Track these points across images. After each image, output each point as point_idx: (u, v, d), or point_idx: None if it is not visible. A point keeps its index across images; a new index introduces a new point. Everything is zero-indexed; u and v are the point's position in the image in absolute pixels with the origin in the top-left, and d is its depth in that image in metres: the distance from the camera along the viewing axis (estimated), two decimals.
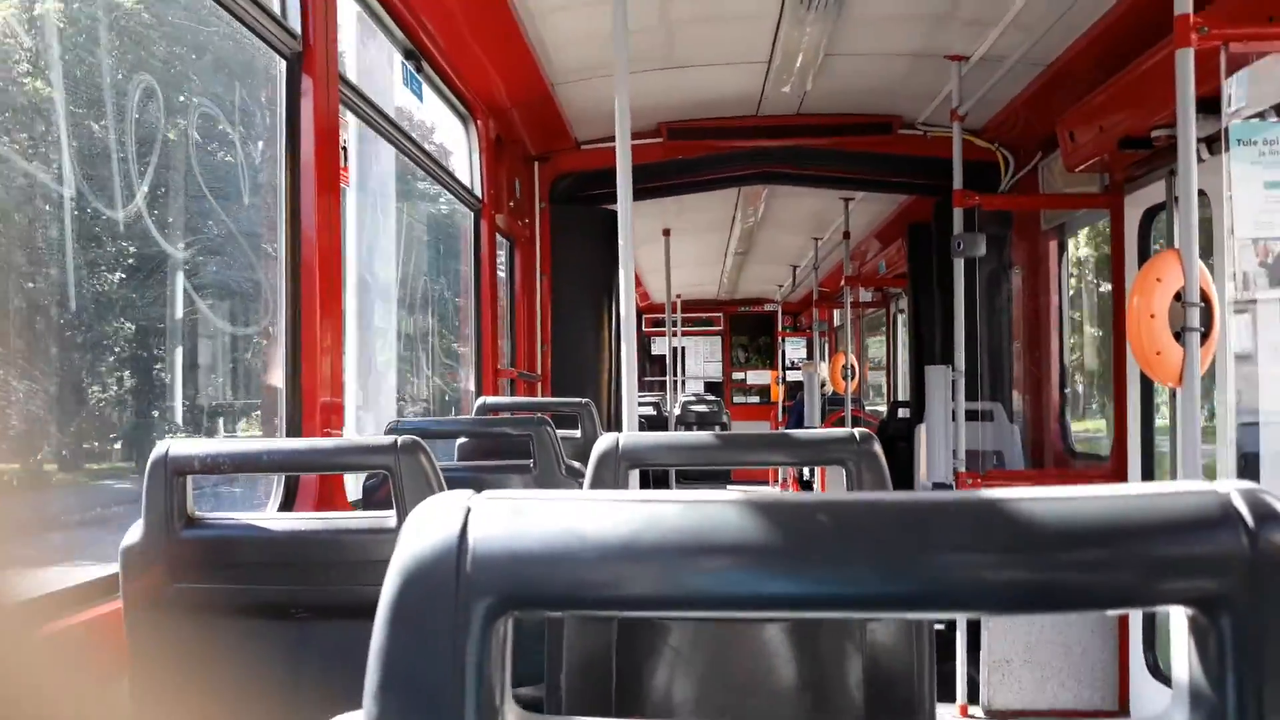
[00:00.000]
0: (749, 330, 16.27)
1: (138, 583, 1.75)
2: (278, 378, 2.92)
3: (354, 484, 3.10)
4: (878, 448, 1.58)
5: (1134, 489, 0.50)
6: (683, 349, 15.49)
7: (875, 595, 0.50)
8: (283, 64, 2.90)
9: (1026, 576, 0.49)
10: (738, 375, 16.37)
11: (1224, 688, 0.48)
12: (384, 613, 0.54)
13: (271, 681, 1.75)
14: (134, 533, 1.76)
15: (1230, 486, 0.49)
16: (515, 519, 0.53)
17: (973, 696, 4.45)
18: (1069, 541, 0.48)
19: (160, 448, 1.73)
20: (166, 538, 1.74)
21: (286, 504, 2.85)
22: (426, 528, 0.54)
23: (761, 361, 16.27)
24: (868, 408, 12.46)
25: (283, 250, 2.89)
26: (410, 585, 0.53)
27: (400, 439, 1.71)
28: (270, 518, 2.01)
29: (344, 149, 3.15)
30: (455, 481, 3.22)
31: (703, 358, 16.48)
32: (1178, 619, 0.50)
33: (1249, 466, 3.40)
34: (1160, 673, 4.12)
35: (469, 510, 0.54)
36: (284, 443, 2.10)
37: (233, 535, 1.79)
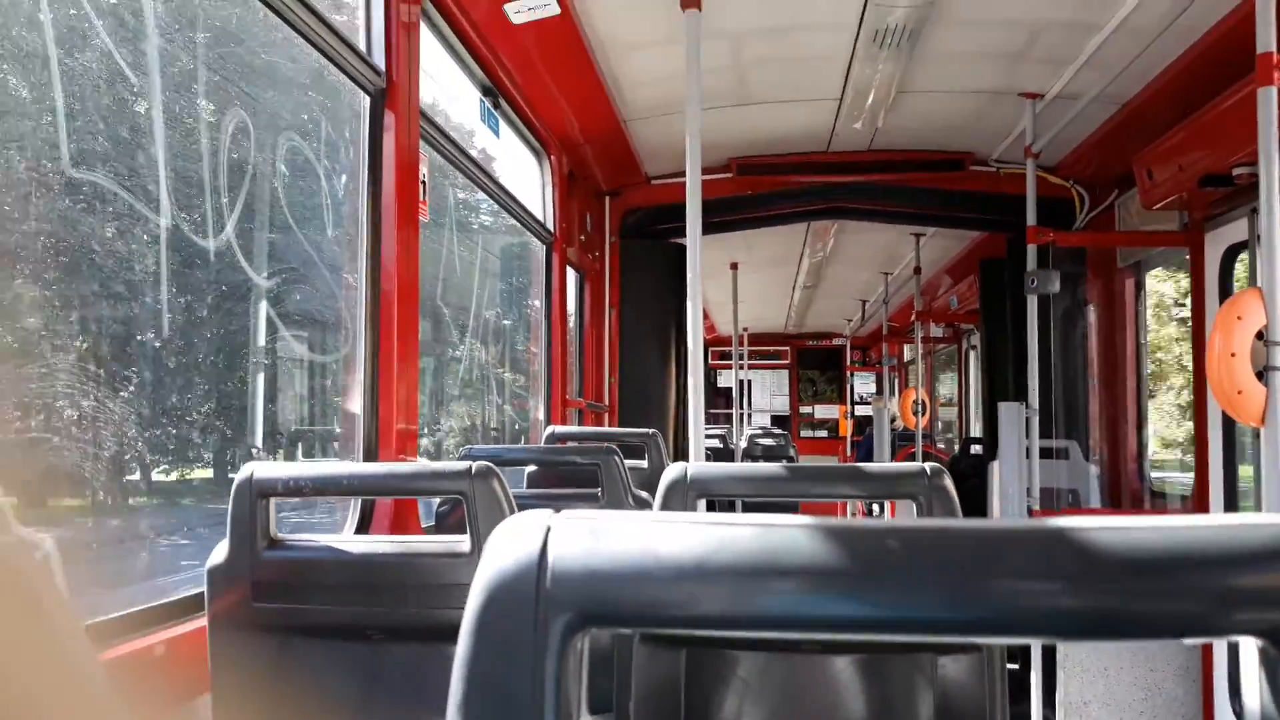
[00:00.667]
0: (817, 364, 16.15)
1: (221, 602, 1.81)
2: (356, 404, 3.00)
3: (426, 510, 3.16)
4: (949, 482, 1.58)
5: (1205, 519, 0.51)
6: (749, 382, 15.44)
7: (943, 619, 0.52)
8: (366, 100, 3.01)
9: (1095, 602, 0.50)
10: (805, 409, 16.25)
11: None
12: (468, 627, 0.57)
13: (347, 701, 1.80)
14: (219, 553, 1.82)
15: None
16: (593, 538, 0.56)
17: None
18: (1138, 568, 0.49)
19: (245, 470, 1.79)
20: (250, 558, 1.80)
21: (362, 528, 2.91)
22: (509, 545, 0.57)
23: (830, 396, 16.13)
24: (939, 444, 12.27)
25: (362, 280, 2.98)
26: (493, 600, 0.56)
27: (475, 465, 1.75)
28: (348, 540, 2.07)
29: (423, 183, 3.24)
30: (525, 509, 3.26)
31: (769, 391, 16.39)
32: (1248, 650, 0.50)
33: None
34: (1245, 718, 3.98)
35: (549, 529, 0.57)
36: (363, 467, 2.16)
37: (313, 557, 1.85)
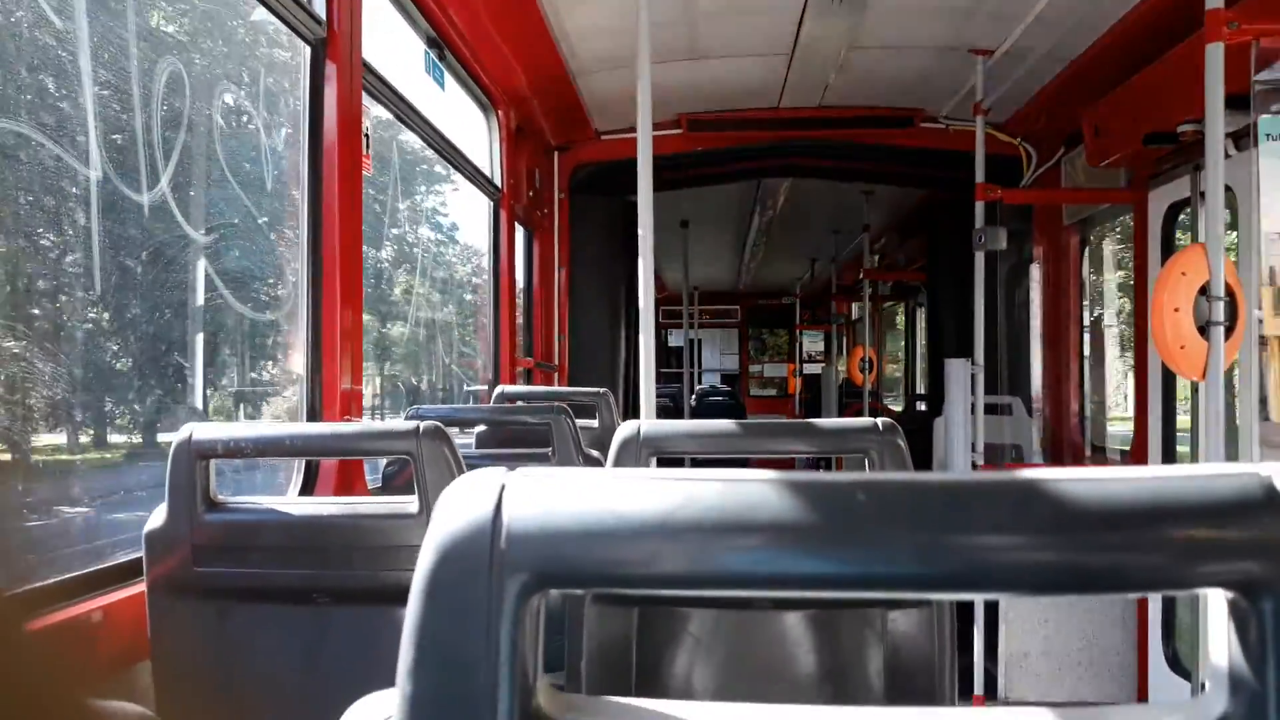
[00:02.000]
0: (766, 323, 16.23)
1: (160, 567, 1.77)
2: (299, 364, 2.94)
3: (374, 471, 3.11)
4: (901, 437, 1.58)
5: (1173, 470, 0.50)
6: (699, 341, 15.48)
7: (917, 574, 0.50)
8: (307, 50, 2.91)
9: (1067, 558, 0.48)
10: (754, 368, 16.36)
11: (1266, 672, 0.47)
12: (418, 589, 0.54)
13: (292, 665, 1.77)
14: (157, 516, 1.77)
15: (1272, 469, 0.48)
16: (550, 496, 0.53)
17: (989, 690, 4.44)
18: (1109, 522, 0.48)
19: (184, 431, 1.74)
20: (189, 522, 1.75)
21: (306, 490, 2.86)
22: (461, 504, 0.54)
23: (779, 354, 16.24)
24: (886, 401, 12.42)
25: (303, 236, 2.91)
26: (445, 562, 0.54)
27: (422, 425, 1.71)
28: (292, 502, 2.02)
29: (366, 136, 3.16)
30: (474, 468, 3.23)
31: (719, 350, 16.46)
32: (1217, 603, 0.49)
33: None
34: (1179, 665, 4.10)
35: (503, 487, 0.54)
36: (307, 427, 2.11)
37: (255, 520, 1.80)
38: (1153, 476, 0.50)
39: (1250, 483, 0.48)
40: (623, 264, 5.77)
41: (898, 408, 11.32)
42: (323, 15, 2.89)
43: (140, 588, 1.81)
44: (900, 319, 12.80)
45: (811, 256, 11.57)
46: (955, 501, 0.50)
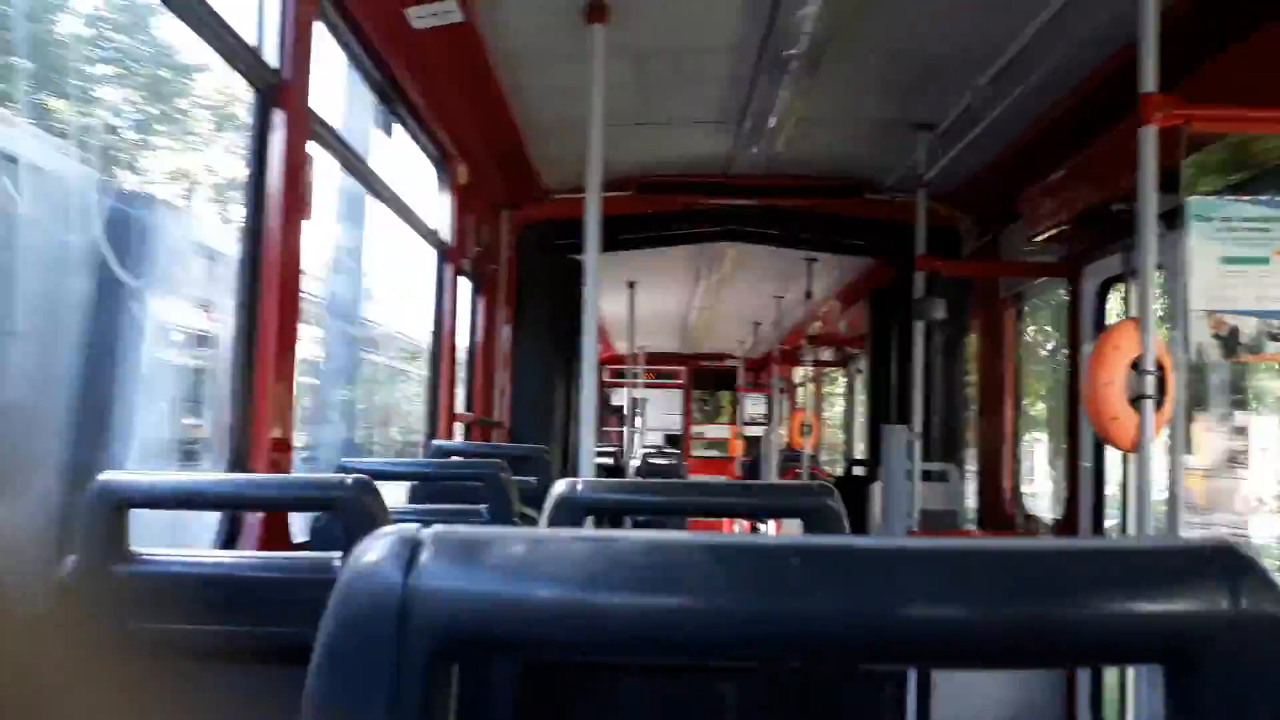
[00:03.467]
0: (710, 384, 16.30)
1: (67, 621, 1.68)
2: (226, 411, 2.85)
3: (301, 525, 3.02)
4: (837, 500, 1.57)
5: (1111, 543, 0.49)
6: (643, 401, 15.48)
7: (840, 643, 0.48)
8: (254, 95, 2.88)
9: (998, 630, 0.47)
10: (697, 429, 16.37)
11: None
12: (319, 657, 0.51)
13: None
14: (67, 567, 1.69)
15: (1207, 541, 0.48)
16: (469, 555, 0.50)
17: None
18: (1042, 594, 0.47)
19: (99, 479, 1.67)
20: (103, 574, 1.67)
21: (229, 543, 2.76)
22: (370, 563, 0.51)
23: (722, 416, 16.29)
24: (824, 465, 12.48)
25: (240, 282, 2.85)
26: (349, 627, 0.50)
27: (350, 477, 1.66)
28: (212, 555, 1.94)
29: (309, 184, 3.12)
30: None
31: (662, 410, 16.46)
32: (1152, 676, 0.48)
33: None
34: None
35: (418, 544, 0.51)
36: (229, 477, 2.03)
37: (172, 573, 1.73)
38: (1094, 548, 0.49)
39: (1188, 555, 0.47)
40: (569, 322, 5.76)
41: (837, 471, 11.38)
42: (274, 64, 2.86)
43: (44, 644, 1.71)
44: (840, 384, 12.94)
45: (755, 320, 11.67)
46: (887, 568, 0.48)
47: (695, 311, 10.87)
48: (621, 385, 13.65)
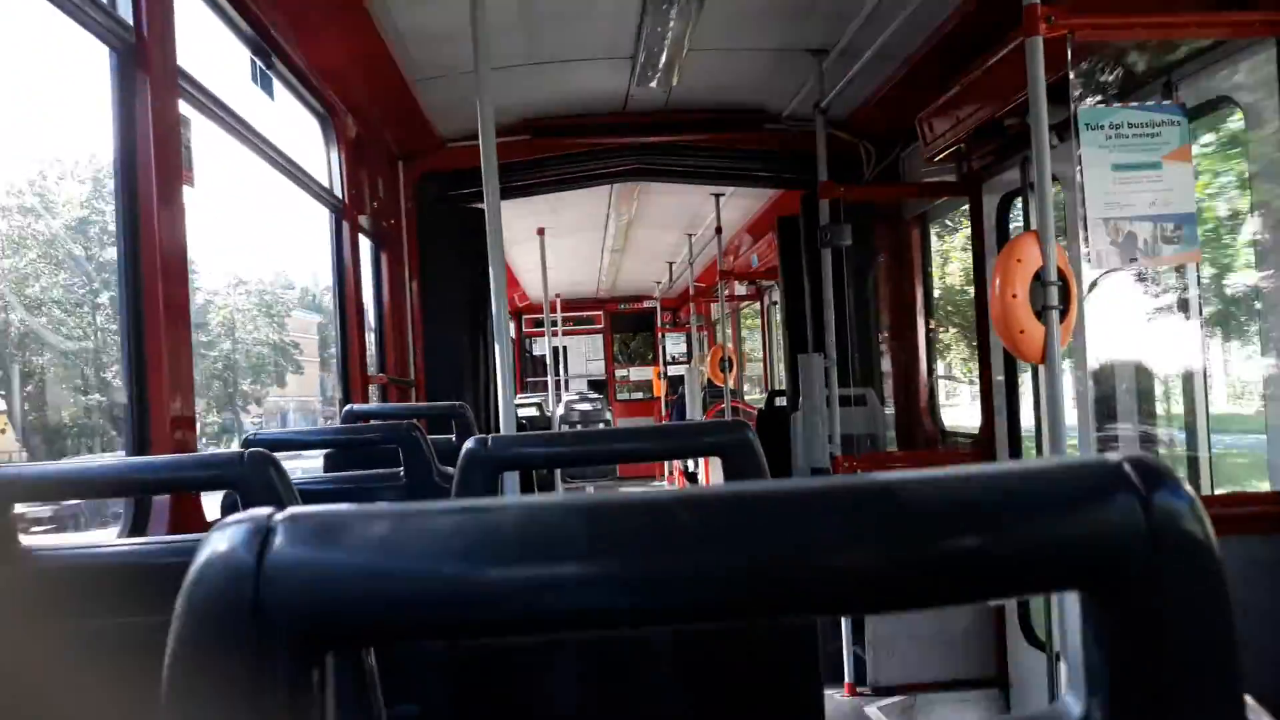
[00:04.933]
0: (630, 327, 16.31)
1: None
2: (122, 392, 2.72)
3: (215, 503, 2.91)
4: (752, 435, 1.55)
5: (1018, 466, 0.45)
6: (564, 348, 15.40)
7: (742, 599, 0.44)
8: (114, 57, 2.70)
9: (909, 571, 0.43)
10: (620, 372, 16.39)
11: (1121, 672, 0.44)
12: (170, 662, 0.45)
13: None
14: None
15: (1119, 457, 0.45)
16: (324, 538, 0.45)
17: (859, 676, 4.52)
18: (954, 528, 0.43)
19: None
20: None
21: (137, 529, 2.65)
22: (218, 556, 0.45)
23: (644, 358, 16.32)
24: (747, 399, 12.61)
25: (120, 257, 2.70)
26: (201, 628, 0.45)
27: (247, 452, 1.58)
28: (111, 544, 1.84)
29: (187, 149, 2.96)
30: (316, 496, 3.07)
31: (585, 356, 16.43)
32: (1071, 602, 0.45)
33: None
34: (1035, 639, 4.26)
35: (269, 531, 0.45)
36: (118, 462, 1.93)
37: (65, 565, 1.63)
38: (999, 473, 0.45)
39: (1099, 473, 0.44)
40: (477, 273, 5.63)
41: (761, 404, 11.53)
42: (130, 20, 2.68)
43: None
44: (757, 317, 13.04)
45: (669, 259, 11.65)
46: (787, 516, 0.44)
47: (608, 254, 10.80)
48: (540, 334, 13.55)
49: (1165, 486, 0.43)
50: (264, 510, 0.47)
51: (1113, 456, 0.45)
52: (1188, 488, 0.44)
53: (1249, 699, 0.45)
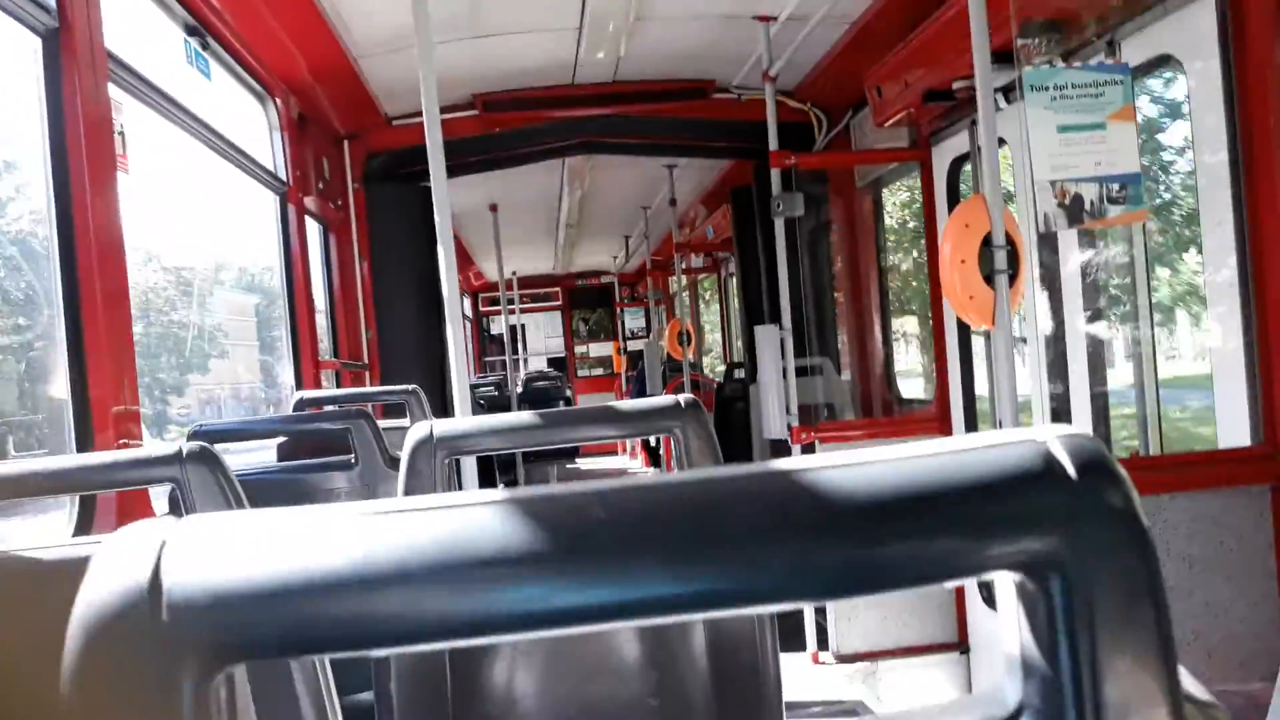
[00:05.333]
0: (588, 303, 16.27)
1: None
2: (61, 389, 2.65)
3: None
4: (703, 414, 1.53)
5: (948, 444, 0.44)
6: (522, 326, 15.32)
7: (669, 596, 0.42)
8: (38, 42, 2.60)
9: (838, 557, 0.42)
10: (580, 349, 16.36)
11: (1057, 655, 0.42)
12: (68, 686, 0.42)
13: None
14: None
15: (1049, 434, 0.43)
16: (221, 551, 0.43)
17: (822, 643, 4.55)
18: (881, 512, 0.42)
19: None
20: None
21: (82, 529, 2.59)
22: (111, 576, 0.43)
23: (603, 334, 16.30)
24: (707, 371, 12.64)
25: (54, 248, 2.61)
26: (97, 649, 0.42)
27: (186, 446, 1.54)
28: (51, 545, 1.79)
29: (120, 134, 2.87)
30: (265, 486, 3.01)
31: (544, 334, 16.38)
32: (1005, 585, 0.44)
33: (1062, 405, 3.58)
34: (995, 603, 4.32)
35: (163, 545, 0.43)
36: (48, 461, 1.87)
37: (3, 567, 1.58)
38: (928, 454, 0.43)
39: (1027, 452, 0.43)
40: (429, 253, 5.55)
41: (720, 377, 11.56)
42: (51, 3, 2.59)
43: None
44: (715, 290, 13.06)
45: (625, 234, 11.61)
46: (708, 507, 0.42)
47: (564, 230, 10.72)
48: (497, 313, 13.46)
49: (1092, 465, 0.42)
50: (158, 524, 0.45)
51: (1039, 434, 0.43)
52: (1116, 465, 0.42)
53: (1183, 671, 0.44)
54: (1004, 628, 0.45)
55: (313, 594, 0.42)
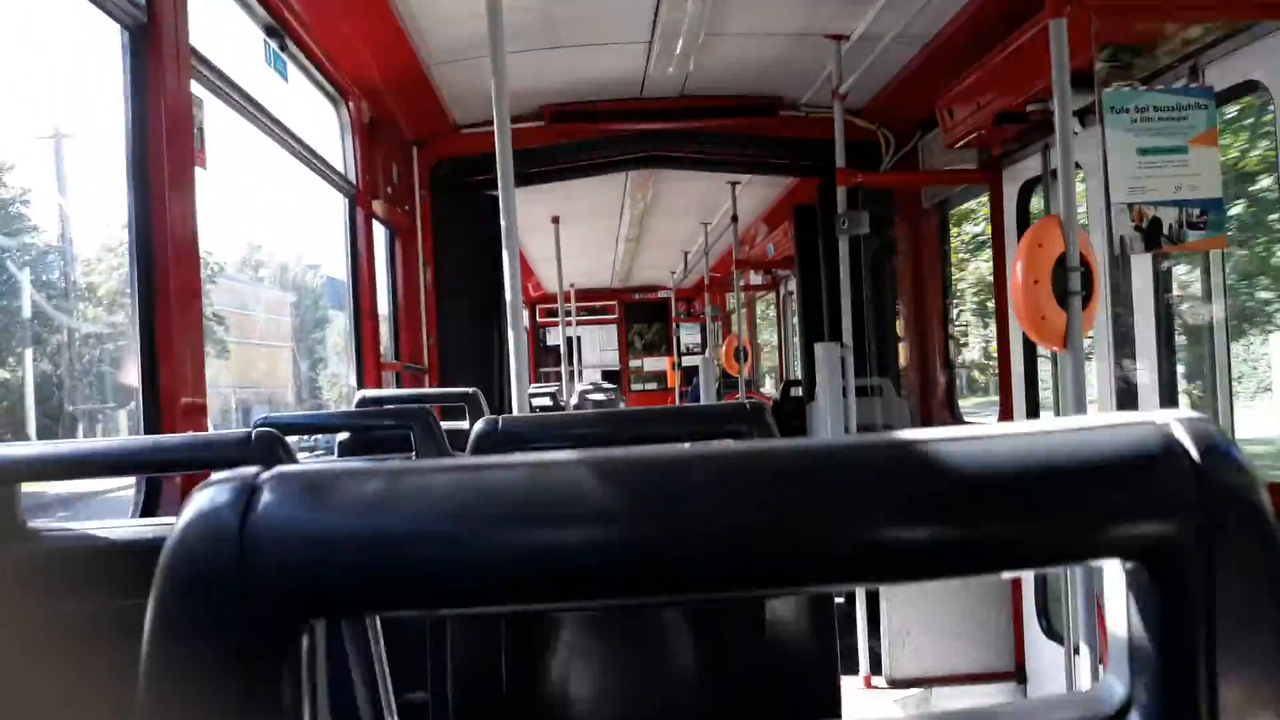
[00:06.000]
0: (644, 317, 16.28)
1: None
2: (133, 377, 2.71)
3: None
4: (769, 417, 1.51)
5: (1062, 424, 0.42)
6: (578, 338, 15.38)
7: (768, 566, 0.41)
8: (125, 36, 2.68)
9: (945, 534, 0.40)
10: (634, 363, 16.38)
11: (1171, 649, 0.40)
12: (151, 628, 0.42)
13: (117, 709, 1.59)
14: None
15: (1169, 416, 0.41)
16: (312, 497, 0.42)
17: (875, 667, 4.48)
18: (992, 489, 0.40)
19: None
20: None
21: (148, 511, 2.65)
22: (201, 516, 0.42)
23: (658, 348, 16.30)
24: (762, 390, 12.57)
25: (131, 240, 2.68)
26: (182, 591, 0.42)
27: (256, 432, 1.56)
28: (118, 525, 1.83)
29: (199, 130, 2.94)
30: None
31: (599, 346, 16.42)
32: (1114, 573, 0.42)
33: None
34: (1054, 633, 4.22)
35: (253, 490, 0.42)
36: (124, 442, 1.91)
37: (71, 546, 1.61)
38: (1042, 431, 0.42)
39: (1148, 434, 0.41)
40: (491, 261, 5.59)
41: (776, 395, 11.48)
42: None
43: None
44: (773, 307, 12.99)
45: (684, 249, 11.60)
46: (813, 472, 0.41)
47: (623, 243, 10.76)
48: (554, 324, 13.53)
49: (1219, 450, 0.40)
50: (250, 469, 0.45)
51: (1161, 416, 0.41)
52: (1240, 451, 0.40)
53: None
54: (1112, 619, 0.43)
55: (402, 547, 0.41)
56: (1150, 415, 0.42)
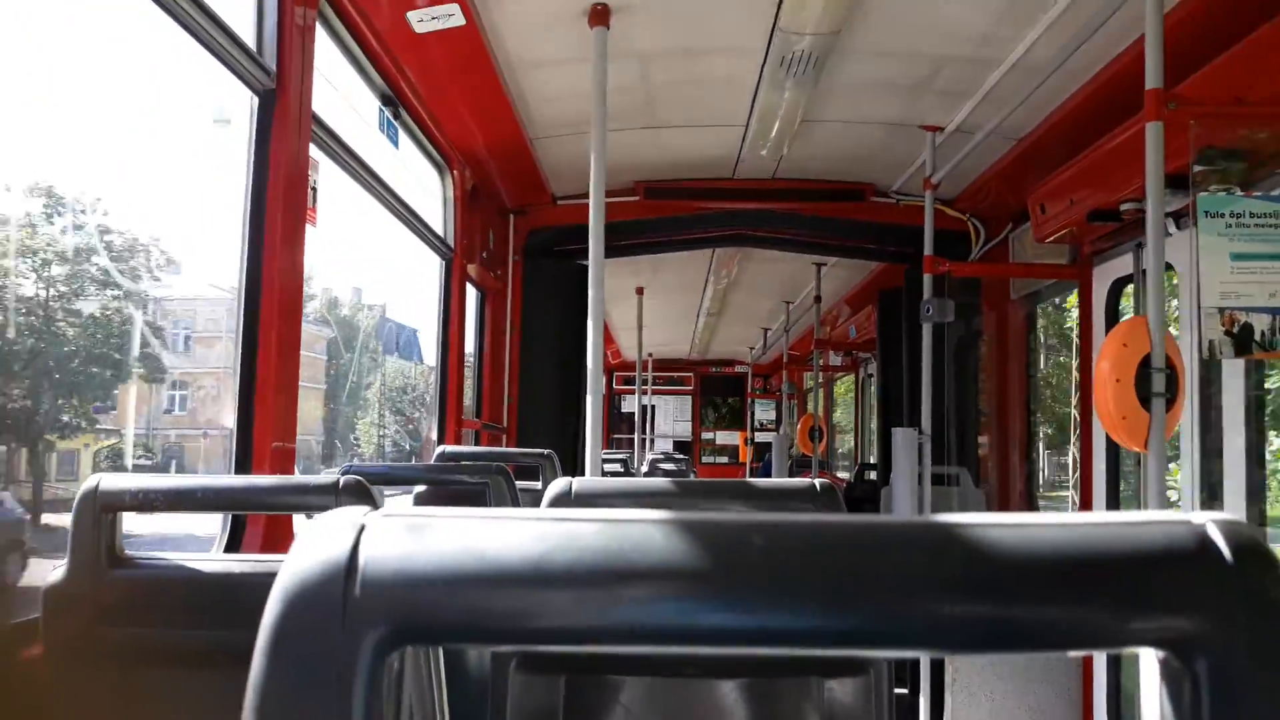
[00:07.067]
0: (719, 391, 16.29)
1: (59, 626, 1.66)
2: (230, 418, 2.84)
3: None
4: (838, 500, 1.54)
5: (1104, 518, 0.45)
6: (653, 407, 15.43)
7: (814, 628, 0.45)
8: (254, 100, 2.87)
9: (984, 611, 0.44)
10: (707, 435, 16.34)
11: None
12: (263, 646, 0.48)
13: None
14: (58, 572, 1.67)
15: (1205, 518, 0.44)
16: (413, 538, 0.48)
17: None
18: (1032, 573, 0.44)
19: (90, 482, 1.65)
20: (93, 578, 1.65)
21: (231, 547, 2.75)
22: (314, 548, 0.49)
23: (731, 422, 16.26)
24: (837, 474, 12.41)
25: (241, 288, 2.83)
26: (293, 613, 0.48)
27: (343, 479, 1.64)
28: (205, 558, 1.92)
29: (313, 190, 3.11)
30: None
31: (673, 416, 16.44)
32: (1148, 662, 0.45)
33: None
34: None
35: (363, 528, 0.49)
36: (220, 480, 2.02)
37: (164, 576, 1.70)
38: (1084, 524, 0.45)
39: (1184, 532, 0.44)
40: (575, 327, 5.72)
41: (850, 477, 11.33)
42: (272, 66, 2.85)
43: (37, 650, 1.70)
44: (851, 390, 12.88)
45: (764, 326, 11.64)
46: (862, 547, 0.45)
47: (704, 317, 10.84)
48: (630, 391, 13.62)
49: (1250, 551, 0.43)
50: (357, 510, 0.51)
51: (1195, 517, 0.44)
52: (1274, 554, 0.43)
53: None
54: (1146, 708, 0.46)
55: (486, 584, 0.47)
56: (1189, 515, 0.45)
